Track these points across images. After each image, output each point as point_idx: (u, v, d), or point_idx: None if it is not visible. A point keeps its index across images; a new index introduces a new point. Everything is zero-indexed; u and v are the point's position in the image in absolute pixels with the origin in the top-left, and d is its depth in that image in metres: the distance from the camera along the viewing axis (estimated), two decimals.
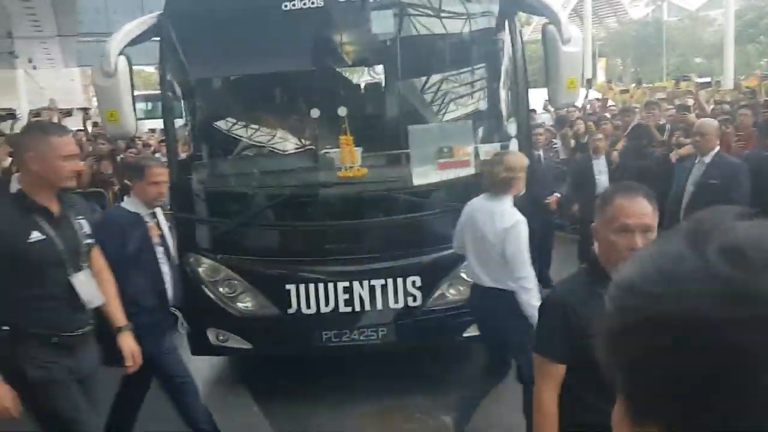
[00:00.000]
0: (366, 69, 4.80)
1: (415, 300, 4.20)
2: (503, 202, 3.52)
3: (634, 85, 19.62)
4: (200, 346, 4.57)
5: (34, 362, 2.62)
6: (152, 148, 11.35)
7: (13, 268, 2.57)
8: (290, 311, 4.24)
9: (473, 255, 3.64)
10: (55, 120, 9.84)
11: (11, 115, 11.27)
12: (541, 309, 2.16)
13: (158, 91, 4.90)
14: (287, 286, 4.23)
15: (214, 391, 4.81)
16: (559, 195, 6.71)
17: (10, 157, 7.30)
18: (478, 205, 3.62)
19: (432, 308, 4.24)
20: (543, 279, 5.01)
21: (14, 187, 2.67)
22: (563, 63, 4.09)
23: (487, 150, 4.37)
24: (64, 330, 2.68)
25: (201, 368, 5.00)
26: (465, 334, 4.31)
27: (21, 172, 2.75)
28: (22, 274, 2.60)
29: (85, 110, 11.69)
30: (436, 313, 4.24)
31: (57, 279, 2.66)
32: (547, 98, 5.18)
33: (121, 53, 4.08)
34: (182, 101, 4.76)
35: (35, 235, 2.58)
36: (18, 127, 10.44)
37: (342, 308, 4.18)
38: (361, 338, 4.23)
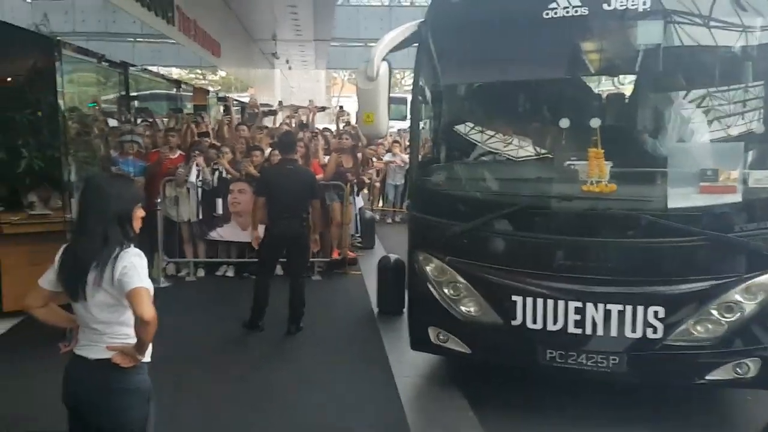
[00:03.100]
0: (624, 81, 4.53)
1: (655, 332, 3.86)
2: None
3: None
4: (420, 342, 4.71)
5: None
6: (386, 147, 12.08)
7: None
8: (514, 323, 4.17)
9: None
10: (311, 117, 10.93)
11: (272, 111, 12.75)
12: None
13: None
14: (513, 297, 4.15)
15: (427, 388, 4.91)
16: None
17: (270, 147, 8.27)
18: None
19: (673, 344, 3.87)
20: None
21: None
22: None
23: (758, 177, 3.87)
24: None
25: (418, 364, 5.15)
26: (708, 377, 3.88)
27: None
28: None
29: (341, 108, 12.79)
30: (677, 350, 3.87)
31: None
32: None
33: (384, 59, 4.35)
34: (431, 105, 4.91)
35: None
36: (278, 122, 11.79)
37: (571, 328, 4.00)
38: (589, 363, 4.00)
